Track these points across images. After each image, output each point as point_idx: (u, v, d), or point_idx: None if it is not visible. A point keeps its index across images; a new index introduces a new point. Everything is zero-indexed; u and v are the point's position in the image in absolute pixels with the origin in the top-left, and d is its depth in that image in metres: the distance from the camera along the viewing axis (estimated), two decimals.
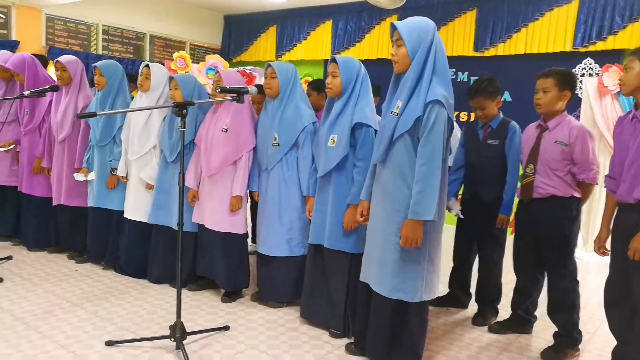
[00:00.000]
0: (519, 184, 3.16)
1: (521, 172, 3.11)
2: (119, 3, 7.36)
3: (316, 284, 3.15)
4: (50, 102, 4.26)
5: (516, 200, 3.19)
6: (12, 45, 6.38)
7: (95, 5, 7.13)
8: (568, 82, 2.89)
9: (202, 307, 3.40)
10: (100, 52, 7.66)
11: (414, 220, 2.39)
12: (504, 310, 3.42)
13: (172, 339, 2.68)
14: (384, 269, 2.54)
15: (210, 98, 3.77)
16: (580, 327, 2.98)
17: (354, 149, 2.93)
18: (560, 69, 2.93)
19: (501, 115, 3.35)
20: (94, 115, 2.58)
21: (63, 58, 4.12)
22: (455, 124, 2.82)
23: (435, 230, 2.53)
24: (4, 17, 6.55)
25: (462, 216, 3.37)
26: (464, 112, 6.69)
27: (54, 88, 3.89)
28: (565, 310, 2.95)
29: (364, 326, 2.74)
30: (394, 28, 2.47)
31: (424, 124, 2.37)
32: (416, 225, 2.40)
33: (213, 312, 3.33)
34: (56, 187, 4.23)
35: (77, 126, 4.12)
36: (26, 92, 3.92)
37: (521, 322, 3.24)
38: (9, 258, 4.16)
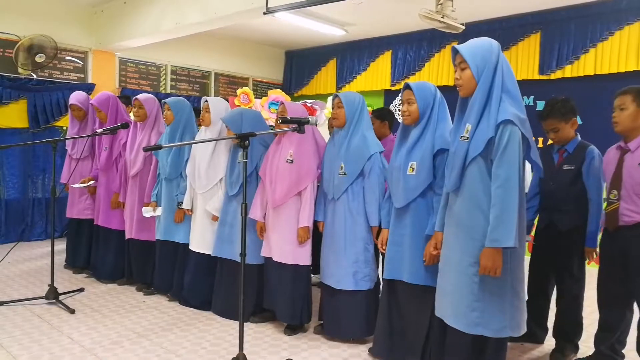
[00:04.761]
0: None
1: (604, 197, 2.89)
2: (186, 44, 7.72)
3: (392, 321, 2.99)
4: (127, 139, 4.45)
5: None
6: (89, 88, 6.79)
7: (164, 48, 7.54)
8: None
9: (265, 340, 3.36)
10: (168, 91, 8.03)
11: (493, 247, 2.23)
12: (585, 345, 3.17)
13: None
14: (461, 302, 2.37)
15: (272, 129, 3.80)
16: None
17: (434, 177, 2.79)
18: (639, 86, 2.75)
19: (579, 137, 3.14)
20: (159, 147, 2.66)
21: (141, 96, 4.29)
22: (527, 163, 2.57)
23: (517, 259, 2.35)
24: (81, 62, 7.00)
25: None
26: (539, 138, 6.40)
27: (125, 125, 4.10)
28: None
29: None
30: (455, 51, 2.40)
31: (497, 145, 2.25)
32: (495, 253, 2.23)
33: (276, 345, 3.28)
34: (128, 222, 4.38)
35: (149, 162, 4.26)
36: (99, 130, 4.15)
37: None
38: (81, 290, 4.31)
